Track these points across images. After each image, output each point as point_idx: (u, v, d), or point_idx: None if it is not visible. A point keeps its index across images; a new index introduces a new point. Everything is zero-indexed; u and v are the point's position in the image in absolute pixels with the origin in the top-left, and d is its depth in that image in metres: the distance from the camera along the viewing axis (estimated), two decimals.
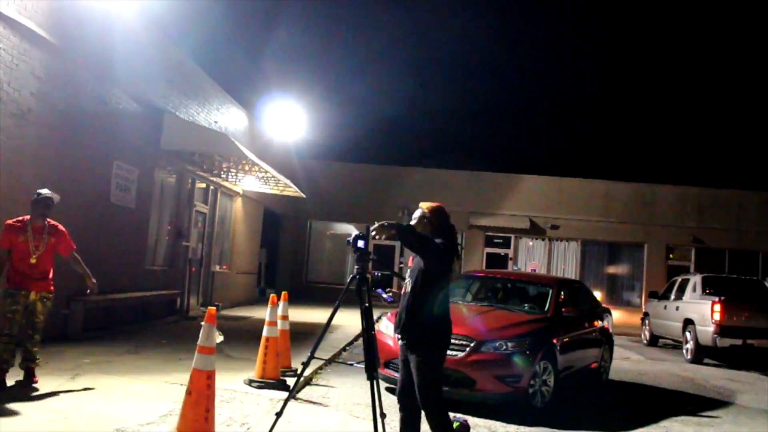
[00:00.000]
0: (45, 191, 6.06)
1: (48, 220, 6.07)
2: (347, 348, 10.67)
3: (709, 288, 13.63)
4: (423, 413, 4.53)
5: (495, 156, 32.97)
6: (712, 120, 33.18)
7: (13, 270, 5.88)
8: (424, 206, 4.73)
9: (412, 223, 4.69)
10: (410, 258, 4.90)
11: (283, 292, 7.92)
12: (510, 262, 22.51)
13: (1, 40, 7.29)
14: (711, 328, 12.39)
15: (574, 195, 22.58)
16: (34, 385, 5.90)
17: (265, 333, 6.91)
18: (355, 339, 11.26)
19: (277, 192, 16.70)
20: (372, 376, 4.51)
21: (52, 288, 6.12)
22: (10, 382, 5.80)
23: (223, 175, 14.55)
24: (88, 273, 6.29)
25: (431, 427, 4.50)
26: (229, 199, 16.19)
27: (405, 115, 33.92)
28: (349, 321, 11.90)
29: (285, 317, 7.65)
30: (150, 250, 11.79)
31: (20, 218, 6.02)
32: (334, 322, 5.04)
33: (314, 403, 6.66)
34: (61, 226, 6.19)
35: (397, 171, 23.49)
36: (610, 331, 10.10)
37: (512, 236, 22.67)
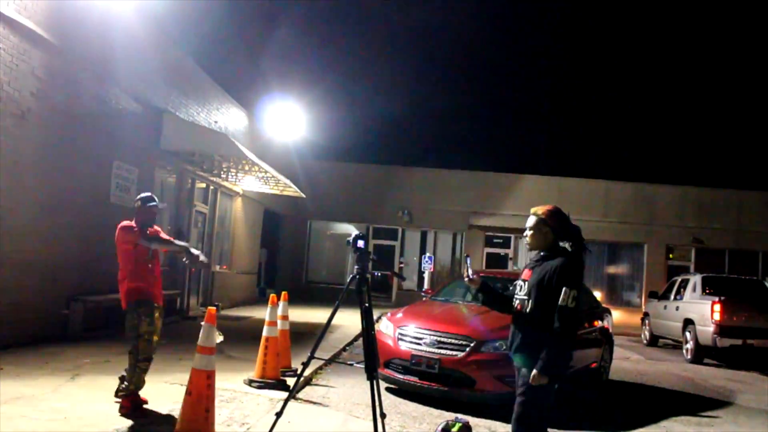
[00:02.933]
0: (146, 195, 5.62)
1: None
2: (347, 348, 10.67)
3: (709, 288, 13.63)
4: None
5: (495, 156, 33.03)
6: (712, 120, 33.20)
7: (141, 279, 5.36)
8: (539, 211, 4.06)
9: (528, 234, 4.07)
10: (525, 270, 4.11)
11: (283, 292, 7.91)
12: (510, 262, 22.51)
13: (1, 40, 7.29)
14: (711, 328, 12.39)
15: (574, 195, 22.56)
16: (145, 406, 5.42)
17: (265, 333, 6.92)
18: (355, 339, 11.26)
19: (277, 192, 16.70)
20: (372, 376, 4.50)
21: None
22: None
23: (223, 175, 14.55)
24: (181, 246, 5.62)
25: None
26: (229, 199, 16.19)
27: (405, 115, 33.99)
28: (349, 321, 11.91)
29: (285, 317, 7.65)
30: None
31: (131, 222, 5.52)
32: (334, 322, 5.04)
33: (314, 403, 6.65)
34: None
35: (397, 171, 23.50)
36: (610, 331, 10.10)
37: (512, 236, 22.66)
